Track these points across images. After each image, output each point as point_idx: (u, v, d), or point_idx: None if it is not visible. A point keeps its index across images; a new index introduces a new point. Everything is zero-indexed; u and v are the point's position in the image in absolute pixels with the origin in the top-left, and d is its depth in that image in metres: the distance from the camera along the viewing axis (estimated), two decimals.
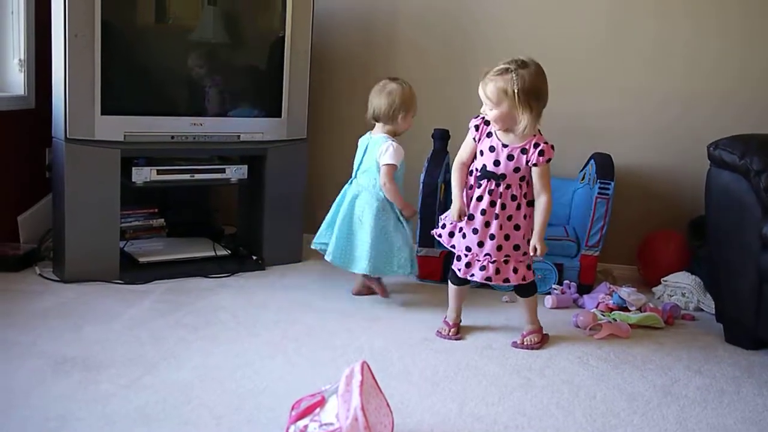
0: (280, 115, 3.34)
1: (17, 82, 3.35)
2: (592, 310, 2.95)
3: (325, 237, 3.06)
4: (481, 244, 2.59)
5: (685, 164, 3.56)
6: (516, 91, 2.42)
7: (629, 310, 2.99)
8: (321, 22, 3.62)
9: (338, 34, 3.83)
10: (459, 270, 2.65)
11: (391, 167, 2.94)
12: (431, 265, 3.35)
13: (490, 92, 2.48)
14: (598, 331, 2.78)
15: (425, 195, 3.29)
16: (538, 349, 2.62)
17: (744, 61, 3.52)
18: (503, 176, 2.55)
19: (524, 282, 2.62)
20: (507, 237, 2.59)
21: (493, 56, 3.68)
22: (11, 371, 2.14)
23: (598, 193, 3.23)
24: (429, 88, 3.76)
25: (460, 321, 2.76)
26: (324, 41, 3.75)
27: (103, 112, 2.92)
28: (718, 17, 3.52)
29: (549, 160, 2.53)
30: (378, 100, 2.99)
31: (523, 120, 2.46)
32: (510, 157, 2.54)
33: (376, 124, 3.05)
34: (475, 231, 2.59)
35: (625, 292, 3.06)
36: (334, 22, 3.80)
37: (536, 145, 2.52)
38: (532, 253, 2.55)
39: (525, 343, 2.63)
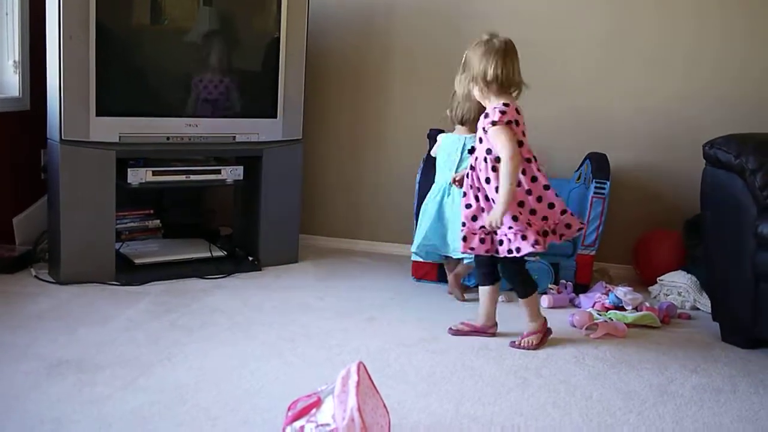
0: (275, 116, 3.33)
1: (12, 83, 3.35)
2: (588, 310, 2.95)
3: (433, 240, 3.10)
4: (474, 218, 2.60)
5: (681, 163, 3.56)
6: (465, 59, 2.64)
7: (625, 310, 2.99)
8: (316, 23, 3.62)
9: (333, 34, 3.83)
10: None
11: None
12: (427, 265, 3.35)
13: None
14: (594, 331, 2.78)
15: (420, 195, 3.30)
16: (534, 350, 2.62)
17: (743, 62, 3.52)
18: (476, 159, 2.60)
19: (509, 255, 2.55)
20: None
21: None
22: (6, 374, 2.13)
23: (594, 193, 3.23)
24: (423, 89, 3.77)
25: (495, 324, 2.74)
26: (319, 42, 3.75)
27: (98, 114, 2.91)
28: (719, 18, 3.52)
29: (494, 123, 2.48)
30: (469, 104, 2.99)
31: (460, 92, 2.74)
32: (480, 140, 2.58)
33: (459, 126, 3.10)
34: (468, 206, 2.61)
35: (622, 291, 3.06)
36: (329, 22, 3.80)
37: (485, 115, 2.55)
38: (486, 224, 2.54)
39: (522, 344, 2.63)
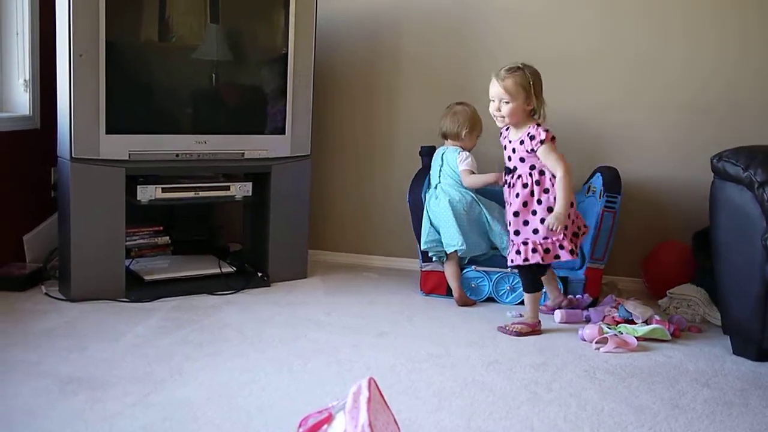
0: (284, 132, 3.35)
1: (22, 102, 3.37)
2: (598, 324, 2.94)
3: (432, 235, 3.34)
4: (517, 233, 2.93)
5: (690, 176, 3.56)
6: (532, 83, 2.86)
7: (635, 323, 2.98)
8: (324, 39, 3.64)
9: (341, 50, 3.85)
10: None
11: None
12: (436, 279, 3.35)
13: (509, 86, 2.86)
14: (604, 345, 2.77)
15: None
16: (517, 336, 2.84)
17: (757, 72, 3.52)
18: (514, 168, 2.95)
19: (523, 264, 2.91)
20: (525, 223, 2.91)
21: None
22: (17, 391, 2.14)
23: (605, 206, 3.24)
24: (432, 103, 3.77)
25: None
26: (327, 57, 3.77)
27: (108, 131, 2.93)
28: (734, 30, 3.52)
29: (543, 142, 2.85)
30: (443, 119, 3.41)
31: (539, 109, 2.90)
32: (514, 150, 2.94)
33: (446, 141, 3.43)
34: (508, 223, 2.98)
35: (631, 304, 3.05)
36: (337, 38, 3.82)
37: (529, 134, 2.89)
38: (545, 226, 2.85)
39: (508, 328, 2.89)
